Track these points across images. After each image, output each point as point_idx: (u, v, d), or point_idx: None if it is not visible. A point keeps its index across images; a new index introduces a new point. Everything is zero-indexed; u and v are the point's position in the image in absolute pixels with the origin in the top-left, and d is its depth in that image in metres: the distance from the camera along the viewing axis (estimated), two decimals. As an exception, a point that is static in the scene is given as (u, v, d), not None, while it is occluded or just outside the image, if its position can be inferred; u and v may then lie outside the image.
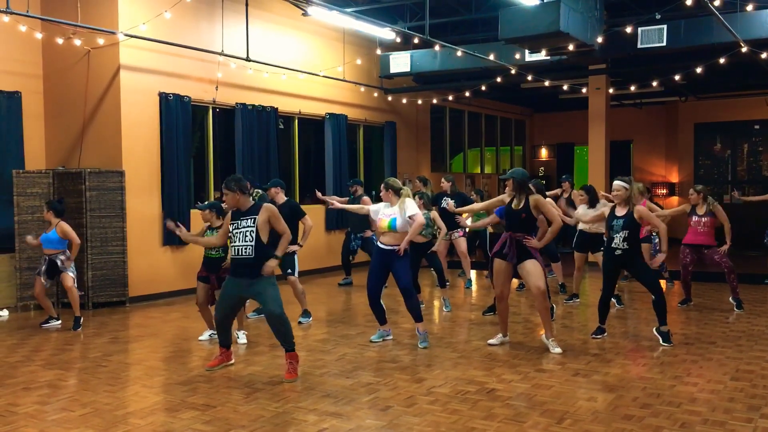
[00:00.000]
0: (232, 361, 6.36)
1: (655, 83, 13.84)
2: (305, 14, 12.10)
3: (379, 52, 13.28)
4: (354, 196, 11.15)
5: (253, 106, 11.63)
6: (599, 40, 10.66)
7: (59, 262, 8.17)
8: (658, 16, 10.67)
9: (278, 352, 6.88)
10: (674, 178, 19.02)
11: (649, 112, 19.26)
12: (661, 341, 7.01)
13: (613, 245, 7.04)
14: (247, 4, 10.99)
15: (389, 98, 14.83)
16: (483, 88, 14.26)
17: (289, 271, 8.25)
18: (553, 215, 6.68)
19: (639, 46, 11.11)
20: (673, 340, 7.05)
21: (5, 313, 9.03)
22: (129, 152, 9.84)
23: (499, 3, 10.71)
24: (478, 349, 6.90)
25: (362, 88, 13.86)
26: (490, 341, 7.05)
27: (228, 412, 5.09)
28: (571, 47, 10.45)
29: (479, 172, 19.18)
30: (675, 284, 10.89)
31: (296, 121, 12.90)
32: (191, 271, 9.51)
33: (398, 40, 12.66)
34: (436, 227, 8.73)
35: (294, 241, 7.98)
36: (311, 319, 8.53)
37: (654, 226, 7.18)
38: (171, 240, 10.21)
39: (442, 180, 11.05)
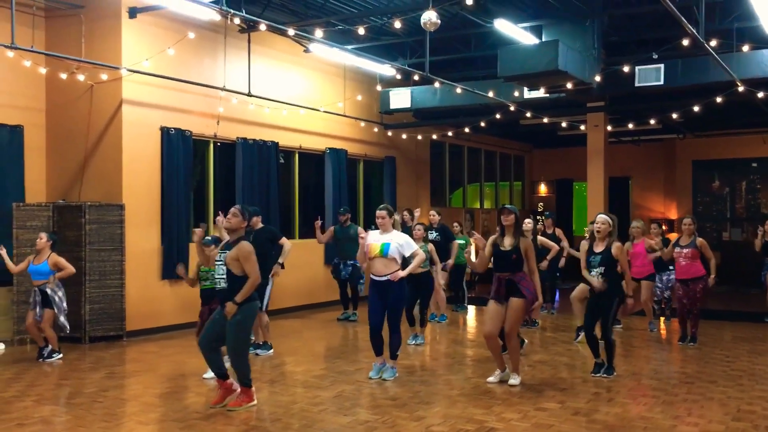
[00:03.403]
0: (238, 391, 6.15)
1: (653, 121, 13.96)
2: (307, 51, 12.25)
3: (379, 88, 13.42)
4: (343, 226, 11.24)
5: (254, 140, 11.71)
6: (597, 78, 10.79)
7: (49, 291, 8.19)
8: (655, 56, 10.82)
9: (277, 388, 6.83)
10: (673, 214, 19.05)
11: (647, 149, 19.37)
12: (603, 371, 7.20)
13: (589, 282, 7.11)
14: (249, 41, 11.13)
15: (389, 133, 14.93)
16: (482, 124, 14.37)
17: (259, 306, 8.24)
18: (533, 265, 6.68)
19: (637, 84, 11.22)
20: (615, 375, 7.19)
21: (1, 346, 8.95)
22: (129, 186, 9.87)
23: (498, 41, 10.86)
24: (477, 387, 6.84)
25: (362, 124, 13.97)
26: (489, 379, 6.96)
27: (224, 450, 5.03)
28: (569, 85, 10.58)
29: (479, 206, 19.22)
30: (673, 322, 10.84)
31: (297, 155, 12.97)
32: (189, 306, 9.48)
33: (398, 76, 12.79)
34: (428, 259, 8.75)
35: (267, 270, 8.14)
36: (271, 352, 8.48)
37: (622, 268, 7.10)
38: (170, 274, 10.18)
39: (432, 213, 11.13)
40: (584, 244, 7.37)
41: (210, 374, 7.09)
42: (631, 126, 14.90)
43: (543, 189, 21.80)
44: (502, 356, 6.97)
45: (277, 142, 12.17)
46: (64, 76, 9.64)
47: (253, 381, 6.98)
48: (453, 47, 12.27)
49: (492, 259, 6.75)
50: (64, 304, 8.32)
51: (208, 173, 11.33)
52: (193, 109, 10.74)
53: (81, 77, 9.64)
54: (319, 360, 8.43)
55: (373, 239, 6.98)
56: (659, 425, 5.58)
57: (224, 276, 6.01)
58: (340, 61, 12.41)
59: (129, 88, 9.84)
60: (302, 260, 12.62)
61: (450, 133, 16.10)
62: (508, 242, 6.61)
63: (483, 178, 19.45)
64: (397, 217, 7.13)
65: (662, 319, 10.93)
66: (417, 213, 11.20)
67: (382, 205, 7.17)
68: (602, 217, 7.17)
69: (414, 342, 9.05)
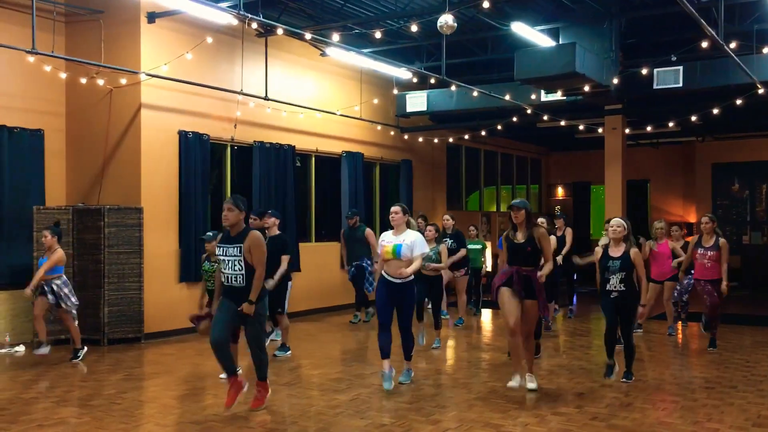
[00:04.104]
0: (246, 387, 6.12)
1: (671, 123, 13.85)
2: (323, 54, 12.29)
3: (395, 91, 13.43)
4: (352, 228, 11.26)
5: (271, 144, 11.76)
6: (615, 80, 10.72)
7: (55, 287, 8.19)
8: (674, 58, 10.73)
9: (294, 391, 6.85)
10: (692, 218, 18.87)
11: (666, 151, 19.22)
12: (623, 377, 7.12)
13: (608, 287, 6.93)
14: (266, 45, 11.19)
15: (405, 137, 14.93)
16: (499, 127, 14.33)
17: (279, 310, 8.35)
18: (548, 253, 6.52)
19: (655, 86, 11.15)
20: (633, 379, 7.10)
21: (21, 348, 9.06)
22: (148, 189, 9.95)
23: (515, 44, 10.83)
24: (493, 391, 6.80)
25: (379, 127, 13.98)
26: (510, 383, 6.69)
27: (241, 452, 5.05)
28: (586, 88, 10.53)
29: (495, 210, 19.17)
30: (691, 326, 10.72)
31: (313, 159, 13.01)
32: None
33: (415, 79, 12.80)
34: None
35: (287, 277, 8.32)
36: (289, 353, 8.52)
37: (639, 274, 6.95)
38: (187, 276, 10.25)
39: (445, 218, 10.90)
40: (598, 250, 7.23)
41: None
42: (649, 129, 14.80)
43: (560, 192, 21.70)
44: (521, 357, 6.71)
45: (294, 146, 12.21)
46: (83, 80, 9.74)
47: (271, 383, 7.01)
48: (470, 50, 12.25)
49: (507, 253, 6.64)
50: (74, 299, 8.35)
51: (225, 177, 11.40)
52: (211, 113, 10.81)
53: (100, 82, 9.74)
54: (335, 363, 8.44)
55: (387, 240, 6.88)
56: (679, 430, 5.52)
57: (241, 272, 5.83)
58: (356, 64, 12.44)
59: (147, 93, 9.92)
60: (318, 263, 12.66)
61: (466, 137, 16.08)
62: (521, 235, 6.51)
63: (499, 181, 19.39)
64: (412, 220, 7.04)
65: (679, 323, 10.80)
66: (449, 222, 10.91)
67: (397, 203, 7.10)
68: (617, 221, 7.09)
69: (421, 341, 8.92)
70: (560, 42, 10.40)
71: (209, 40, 10.00)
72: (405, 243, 6.71)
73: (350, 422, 5.77)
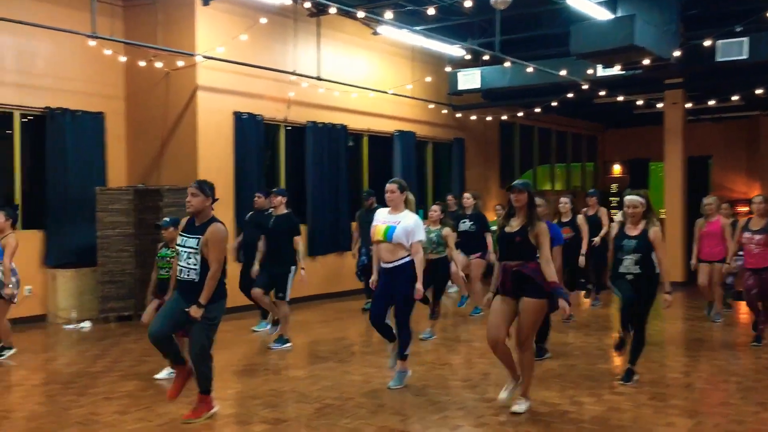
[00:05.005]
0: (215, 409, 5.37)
1: (735, 97, 13.35)
2: (375, 33, 12.24)
3: (448, 69, 13.30)
4: (368, 210, 10.07)
5: (324, 124, 11.82)
6: (676, 53, 10.37)
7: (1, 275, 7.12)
8: (738, 29, 10.31)
9: (347, 367, 6.92)
10: (756, 195, 18.24)
11: (728, 126, 18.57)
12: (621, 378, 6.24)
13: (621, 269, 6.09)
14: (318, 25, 11.21)
15: (458, 115, 14.80)
16: (554, 104, 14.07)
17: (281, 294, 7.75)
18: (546, 253, 5.24)
19: (718, 59, 10.74)
20: (637, 380, 6.18)
21: (88, 324, 9.40)
22: (205, 170, 10.13)
23: (571, 18, 10.57)
24: (548, 370, 6.75)
25: (431, 106, 13.90)
26: (501, 395, 5.45)
27: (299, 426, 5.15)
28: (646, 61, 10.21)
29: (549, 188, 18.89)
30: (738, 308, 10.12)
31: (365, 138, 13.03)
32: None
33: (468, 56, 12.63)
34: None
35: (292, 261, 7.70)
36: (288, 345, 7.84)
37: (659, 257, 6.05)
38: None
39: (466, 196, 9.84)
40: (614, 226, 6.33)
41: (164, 374, 6.42)
42: (711, 103, 14.30)
43: (617, 169, 21.22)
44: (515, 364, 5.45)
45: (346, 126, 12.24)
46: (142, 63, 9.95)
47: (324, 360, 7.09)
48: (524, 25, 12.02)
49: (498, 244, 5.51)
50: (16, 291, 7.31)
51: (278, 157, 11.52)
52: (265, 94, 10.91)
53: (158, 65, 9.93)
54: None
55: (380, 219, 6.04)
56: (741, 411, 5.39)
57: (195, 267, 5.07)
58: (408, 42, 12.36)
59: (203, 75, 10.07)
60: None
61: (520, 114, 15.84)
62: (516, 223, 5.34)
63: (554, 159, 19.08)
64: (411, 197, 6.12)
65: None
66: (469, 201, 9.81)
67: (393, 179, 6.21)
68: (633, 199, 6.08)
69: (429, 337, 8.14)
70: (618, 14, 10.09)
71: (263, 21, 10.08)
72: (400, 225, 5.87)
73: (405, 399, 5.81)
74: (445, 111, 14.37)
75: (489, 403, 5.66)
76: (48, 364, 7.51)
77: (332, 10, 8.98)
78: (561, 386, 6.15)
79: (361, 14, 9.43)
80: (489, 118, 15.39)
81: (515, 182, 5.45)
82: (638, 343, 6.20)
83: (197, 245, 5.06)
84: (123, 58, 10.07)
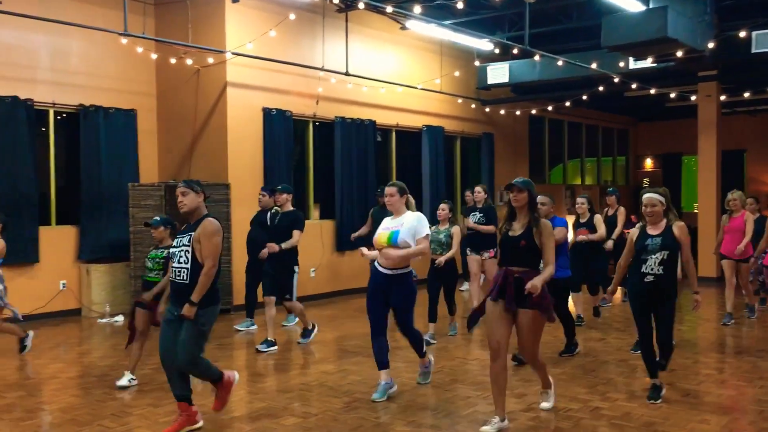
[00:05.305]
0: (200, 424, 5.03)
1: (771, 89, 13.06)
2: (403, 28, 12.21)
3: (477, 63, 13.22)
4: (382, 208, 9.41)
5: (352, 119, 11.84)
6: (710, 45, 10.18)
7: None
8: (775, 19, 10.10)
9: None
10: (793, 189, 17.87)
11: (764, 119, 18.20)
12: (648, 396, 5.64)
13: (643, 269, 5.51)
14: (347, 20, 11.22)
15: (487, 109, 14.72)
16: (584, 97, 13.91)
17: (288, 296, 7.79)
18: (550, 255, 4.88)
19: (753, 50, 10.53)
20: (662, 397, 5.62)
21: (120, 318, 9.55)
22: (234, 165, 10.23)
23: (602, 10, 10.43)
24: (579, 366, 6.69)
25: (459, 100, 13.84)
26: (483, 428, 4.89)
27: (328, 420, 5.18)
28: (679, 54, 10.04)
29: (580, 183, 18.70)
30: None
31: (394, 133, 13.02)
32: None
33: (497, 50, 12.55)
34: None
35: (294, 261, 7.79)
36: (311, 338, 7.98)
37: (685, 256, 5.56)
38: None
39: (477, 189, 9.28)
40: (634, 231, 5.74)
41: (124, 381, 6.14)
42: (746, 95, 14.03)
43: (649, 164, 20.93)
44: (504, 394, 5.00)
45: (375, 121, 12.25)
46: (173, 61, 10.06)
47: (354, 354, 7.12)
48: (553, 18, 11.89)
49: (500, 248, 5.16)
50: (5, 299, 7.20)
51: (307, 152, 11.58)
52: (293, 90, 10.97)
53: (189, 62, 10.04)
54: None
55: (383, 227, 5.80)
56: (778, 410, 5.29)
57: (186, 265, 4.83)
58: (436, 37, 12.31)
59: (233, 71, 10.15)
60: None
61: (550, 108, 15.70)
62: (518, 226, 4.97)
63: (584, 153, 18.88)
64: (411, 199, 5.89)
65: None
66: (481, 195, 9.21)
67: (391, 182, 5.95)
68: (652, 197, 5.55)
69: (432, 339, 7.84)
70: (651, 6, 9.93)
71: (292, 16, 10.12)
72: (404, 227, 5.63)
73: (434, 394, 5.82)
74: (473, 105, 14.30)
75: (519, 399, 5.63)
76: (83, 357, 7.65)
77: (361, 5, 8.99)
78: (591, 382, 6.10)
79: (389, 9, 9.43)
80: (518, 113, 15.28)
81: (515, 180, 5.04)
82: (666, 350, 5.74)
83: (189, 242, 4.87)
84: (154, 56, 10.19)
